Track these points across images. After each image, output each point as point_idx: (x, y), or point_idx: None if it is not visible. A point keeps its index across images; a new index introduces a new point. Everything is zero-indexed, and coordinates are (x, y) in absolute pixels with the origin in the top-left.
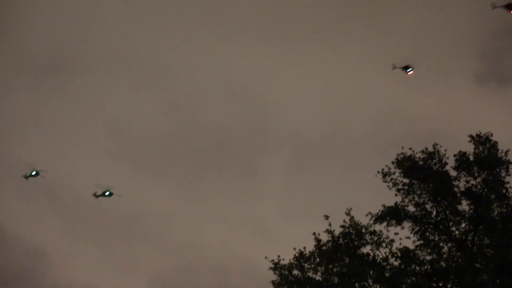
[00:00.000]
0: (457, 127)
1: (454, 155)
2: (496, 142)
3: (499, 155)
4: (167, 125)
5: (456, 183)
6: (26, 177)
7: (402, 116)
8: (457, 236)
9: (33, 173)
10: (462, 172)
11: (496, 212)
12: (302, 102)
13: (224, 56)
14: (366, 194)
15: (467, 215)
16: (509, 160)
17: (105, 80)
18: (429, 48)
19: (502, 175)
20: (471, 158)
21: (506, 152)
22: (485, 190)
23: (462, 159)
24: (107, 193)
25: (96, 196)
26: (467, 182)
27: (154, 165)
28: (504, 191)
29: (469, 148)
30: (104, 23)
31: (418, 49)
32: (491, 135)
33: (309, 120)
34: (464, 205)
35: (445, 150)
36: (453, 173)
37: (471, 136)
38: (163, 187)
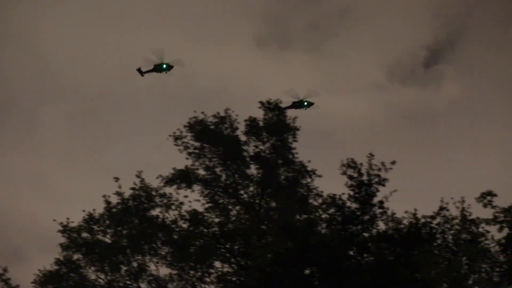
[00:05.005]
0: (240, 88)
1: (245, 120)
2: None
3: (287, 122)
4: None
5: (245, 147)
6: (143, 72)
7: (184, 74)
8: (245, 199)
9: (164, 66)
10: (252, 137)
11: (282, 177)
12: (83, 54)
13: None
14: (158, 156)
15: (255, 179)
16: (296, 126)
17: None
18: (212, 9)
19: (290, 141)
20: (261, 123)
21: (294, 119)
22: (273, 155)
23: (252, 125)
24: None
25: None
26: (256, 147)
27: None
28: (290, 156)
29: (258, 113)
30: None
31: (202, 9)
32: (280, 102)
33: (91, 72)
34: (253, 169)
35: (237, 115)
36: (243, 138)
37: (261, 102)
38: None
